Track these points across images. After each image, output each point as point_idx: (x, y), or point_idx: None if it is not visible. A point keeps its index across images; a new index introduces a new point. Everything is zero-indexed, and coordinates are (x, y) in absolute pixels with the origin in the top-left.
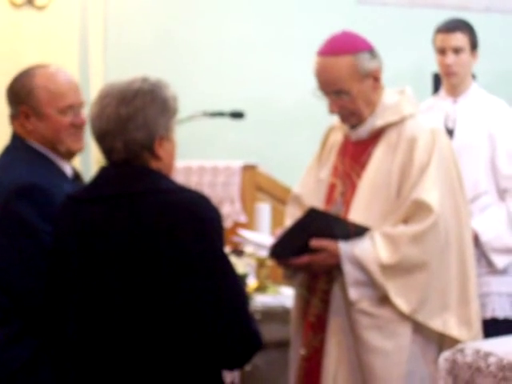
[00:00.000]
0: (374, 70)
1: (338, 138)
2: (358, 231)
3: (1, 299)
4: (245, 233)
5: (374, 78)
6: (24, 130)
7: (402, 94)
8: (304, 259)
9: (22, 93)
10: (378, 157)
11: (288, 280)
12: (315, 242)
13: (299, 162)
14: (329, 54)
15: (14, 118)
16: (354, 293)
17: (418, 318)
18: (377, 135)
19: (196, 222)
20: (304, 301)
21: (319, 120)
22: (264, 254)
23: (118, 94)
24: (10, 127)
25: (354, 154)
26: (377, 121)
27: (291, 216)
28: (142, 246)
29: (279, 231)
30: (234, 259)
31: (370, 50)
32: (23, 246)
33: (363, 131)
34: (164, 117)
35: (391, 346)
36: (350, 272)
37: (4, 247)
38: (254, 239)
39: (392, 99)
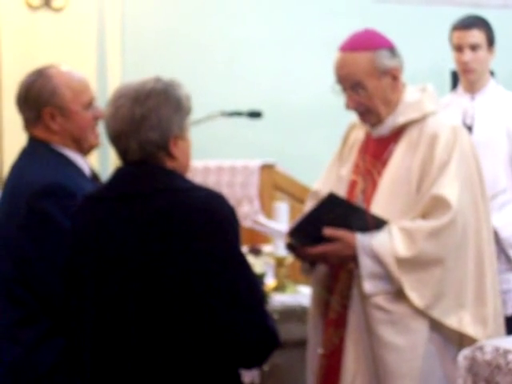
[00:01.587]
0: (392, 68)
1: (359, 135)
2: (377, 223)
3: (27, 298)
4: (262, 219)
5: (393, 76)
6: (47, 131)
7: (424, 92)
8: (319, 249)
9: (43, 95)
10: (399, 154)
11: (306, 273)
12: (329, 231)
13: (317, 160)
14: (348, 50)
15: (33, 121)
16: (368, 286)
17: (432, 314)
18: (398, 132)
19: (211, 220)
20: (323, 301)
21: (337, 118)
22: (281, 242)
23: (132, 95)
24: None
25: (375, 152)
26: (398, 118)
27: None
28: (158, 244)
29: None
30: (251, 259)
31: (390, 48)
32: (50, 245)
33: (384, 128)
34: (178, 116)
35: (404, 342)
36: (365, 264)
37: (31, 246)
38: (270, 225)
39: (413, 97)
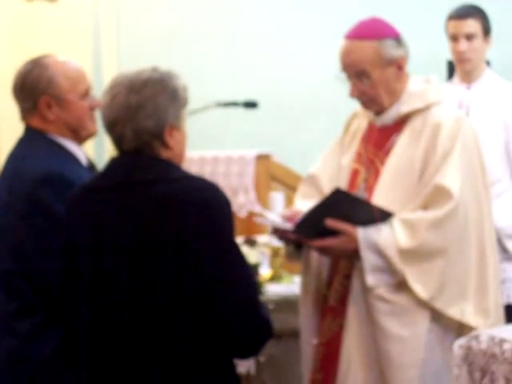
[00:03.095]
0: (398, 57)
1: (362, 124)
2: (383, 216)
3: (24, 289)
4: (265, 212)
5: (398, 66)
6: (43, 121)
7: (428, 82)
8: (322, 242)
9: (40, 84)
10: (403, 143)
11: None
12: (331, 222)
13: (313, 150)
14: (354, 38)
15: (30, 111)
16: (371, 279)
17: (436, 305)
18: (402, 122)
19: (205, 210)
20: (319, 289)
21: (333, 109)
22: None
23: (128, 83)
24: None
25: (378, 141)
26: (402, 107)
27: (303, 195)
28: (152, 233)
29: (288, 212)
30: (246, 249)
31: (396, 37)
32: (48, 235)
33: (388, 118)
34: (174, 106)
35: (408, 334)
36: (368, 258)
37: (29, 236)
38: (274, 218)
39: (418, 87)
